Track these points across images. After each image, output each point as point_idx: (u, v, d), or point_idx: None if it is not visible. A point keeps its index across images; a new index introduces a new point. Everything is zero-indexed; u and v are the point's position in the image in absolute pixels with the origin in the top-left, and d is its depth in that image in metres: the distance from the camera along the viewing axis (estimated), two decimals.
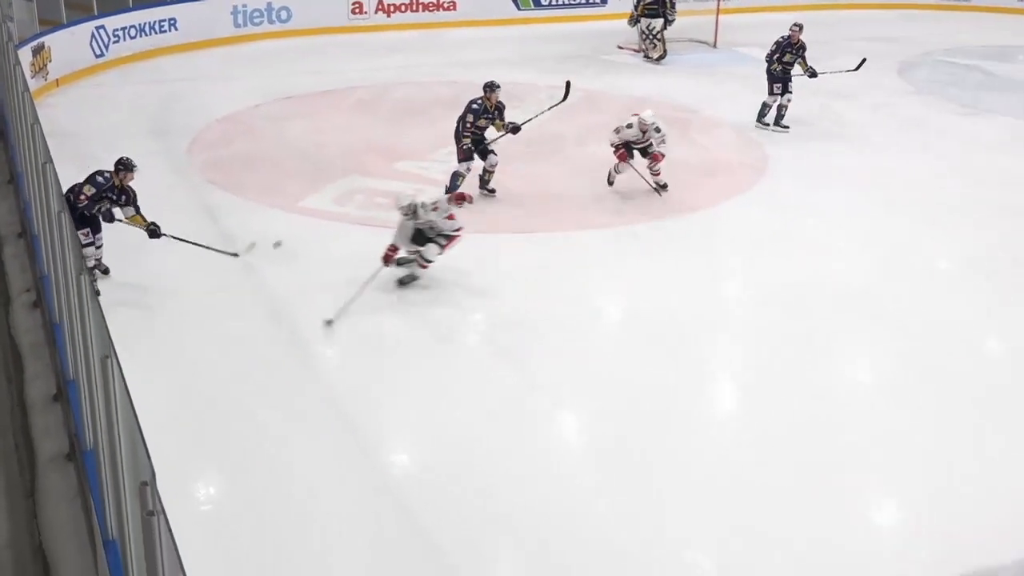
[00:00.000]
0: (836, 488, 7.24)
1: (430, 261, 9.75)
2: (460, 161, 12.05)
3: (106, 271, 9.66)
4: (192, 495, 6.95)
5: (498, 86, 12.05)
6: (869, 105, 16.75)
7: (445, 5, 21.87)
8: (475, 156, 12.02)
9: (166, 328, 8.96)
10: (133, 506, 4.04)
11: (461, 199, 10.04)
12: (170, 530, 3.47)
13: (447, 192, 11.61)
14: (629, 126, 11.83)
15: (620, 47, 20.35)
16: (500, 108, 12.09)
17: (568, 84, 13.01)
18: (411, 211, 9.47)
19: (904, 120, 16.14)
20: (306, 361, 8.63)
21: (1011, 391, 8.57)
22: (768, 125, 15.21)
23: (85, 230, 9.25)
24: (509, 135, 12.14)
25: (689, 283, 10.31)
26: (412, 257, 9.82)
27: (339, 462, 7.28)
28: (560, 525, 6.65)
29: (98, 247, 9.54)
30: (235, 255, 10.01)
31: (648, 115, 11.81)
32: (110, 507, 4.67)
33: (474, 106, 11.91)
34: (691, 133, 14.98)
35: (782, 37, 15.03)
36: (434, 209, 9.55)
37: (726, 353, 9.33)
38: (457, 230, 9.79)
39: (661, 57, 19.79)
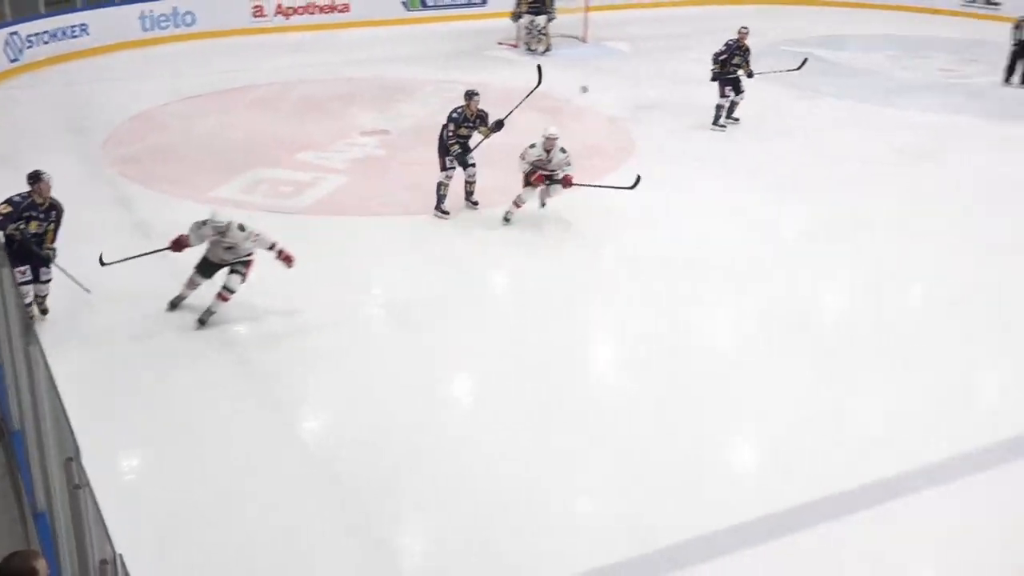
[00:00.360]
0: (715, 434, 7.43)
1: (233, 292, 8.48)
2: (441, 170, 11.09)
3: (44, 312, 8.42)
4: (122, 475, 6.80)
5: (476, 94, 11.02)
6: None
7: (339, 7, 21.56)
8: (456, 165, 11.05)
9: (96, 321, 8.66)
10: (60, 481, 3.93)
11: (288, 260, 8.49)
12: (96, 502, 3.38)
13: (437, 204, 11.10)
14: (533, 146, 10.58)
15: (500, 43, 20.32)
16: (482, 116, 11.03)
17: (540, 68, 12.16)
18: (222, 230, 8.19)
19: (753, 104, 16.36)
20: (226, 343, 8.44)
21: (858, 341, 8.86)
22: (724, 127, 14.90)
23: (23, 268, 8.03)
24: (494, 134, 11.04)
25: (572, 255, 10.40)
26: (187, 294, 8.67)
27: (264, 439, 7.19)
28: (480, 488, 6.71)
29: (44, 281, 8.26)
30: (88, 291, 8.64)
31: (554, 130, 10.60)
32: (38, 483, 4.54)
33: (454, 115, 10.93)
34: (564, 120, 14.95)
35: (731, 40, 14.63)
36: (254, 240, 8.33)
37: (609, 315, 9.42)
38: (250, 254, 8.46)
39: (547, 50, 19.84)
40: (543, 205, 11.12)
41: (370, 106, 15.66)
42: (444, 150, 10.98)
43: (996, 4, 24.47)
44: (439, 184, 11.10)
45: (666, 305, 9.36)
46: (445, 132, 10.94)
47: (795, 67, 15.56)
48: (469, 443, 7.22)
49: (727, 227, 11.18)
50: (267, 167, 12.69)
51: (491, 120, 11.04)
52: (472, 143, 11.11)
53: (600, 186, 11.05)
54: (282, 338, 8.57)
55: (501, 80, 17.31)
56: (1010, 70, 18.03)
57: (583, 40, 20.79)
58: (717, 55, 14.62)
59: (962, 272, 10.24)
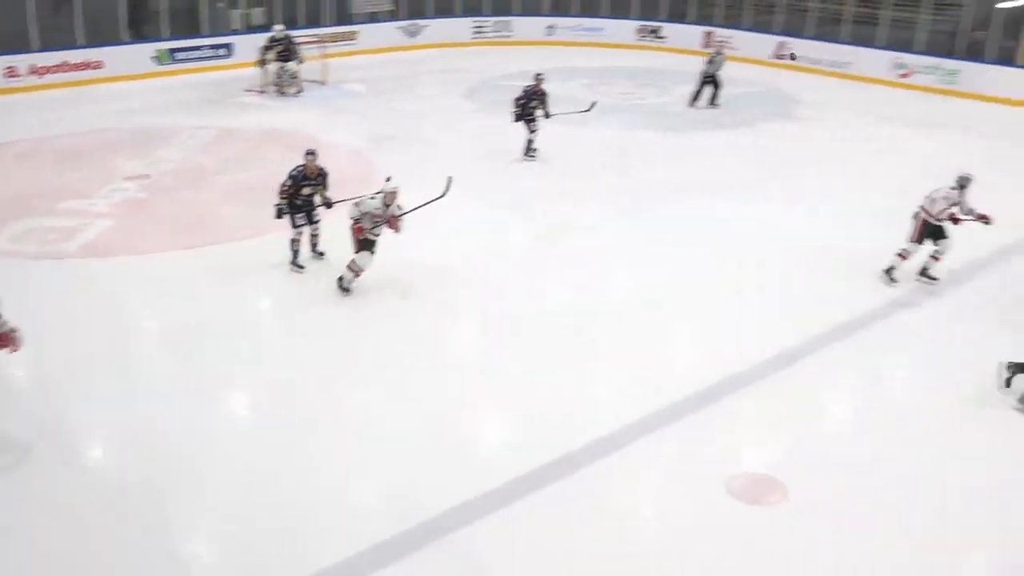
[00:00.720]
0: (455, 416, 7.63)
1: None
2: (292, 227, 10.15)
3: None
4: None
5: (314, 152, 10.00)
6: (442, 123, 17.26)
7: (92, 64, 20.25)
8: (305, 222, 10.18)
9: None
10: None
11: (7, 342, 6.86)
12: None
13: (292, 259, 10.27)
14: (372, 197, 9.39)
15: (247, 90, 19.77)
16: (323, 173, 10.08)
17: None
18: None
19: (469, 132, 16.75)
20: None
21: (571, 325, 9.28)
22: (533, 157, 14.86)
23: None
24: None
25: (323, 275, 10.21)
26: None
27: (44, 470, 6.83)
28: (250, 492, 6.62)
29: None
30: None
31: (394, 184, 9.42)
32: None
33: (294, 172, 9.94)
34: None
35: (528, 86, 14.50)
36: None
37: (358, 324, 9.33)
38: None
39: (299, 91, 19.46)
40: (357, 274, 9.74)
41: (130, 153, 14.86)
42: (292, 207, 10.09)
43: (662, 37, 26.14)
44: (291, 240, 10.23)
45: (410, 312, 9.49)
46: (280, 187, 9.97)
47: (586, 109, 15.61)
48: (246, 452, 7.11)
49: (460, 239, 11.39)
50: (34, 216, 11.81)
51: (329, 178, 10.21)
52: (316, 200, 10.19)
53: (419, 207, 9.83)
54: (59, 375, 8.07)
55: (252, 123, 16.93)
56: (696, 95, 19.17)
57: (323, 83, 20.56)
58: (517, 99, 14.58)
59: (649, 262, 10.97)
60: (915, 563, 6.15)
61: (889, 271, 10.39)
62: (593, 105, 15.82)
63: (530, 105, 14.52)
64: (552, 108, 14.66)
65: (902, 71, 22.26)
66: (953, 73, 21.50)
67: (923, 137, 17.52)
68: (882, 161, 15.66)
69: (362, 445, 7.19)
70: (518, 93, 14.70)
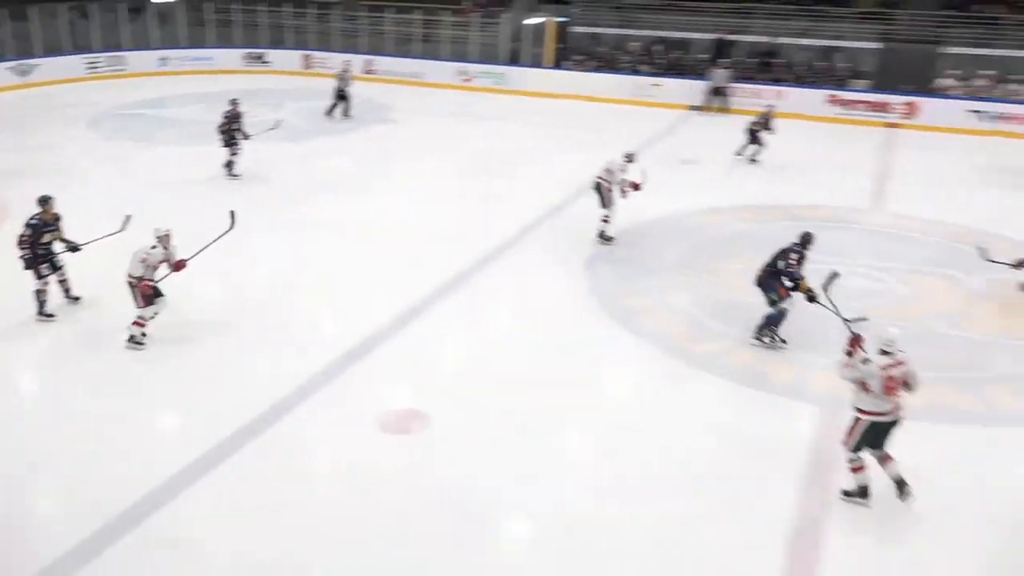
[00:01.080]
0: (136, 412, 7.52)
1: None
2: (37, 279, 8.86)
3: None
4: None
5: (52, 198, 8.82)
6: (73, 153, 16.03)
7: None
8: (50, 272, 8.94)
9: None
10: None
11: None
12: None
13: (38, 309, 8.86)
14: (154, 247, 8.30)
15: None
16: (59, 218, 8.92)
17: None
18: None
19: (103, 158, 15.80)
20: None
21: (237, 313, 9.44)
22: (238, 176, 14.32)
23: None
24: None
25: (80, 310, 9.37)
26: None
27: None
28: None
29: None
30: None
31: (165, 227, 8.42)
32: None
33: (32, 221, 8.71)
34: None
35: (227, 111, 14.00)
36: None
37: (37, 341, 8.77)
38: None
39: None
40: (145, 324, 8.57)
41: None
42: (35, 259, 8.83)
43: (267, 62, 26.07)
44: (37, 292, 8.95)
45: (90, 325, 9.03)
46: (18, 239, 8.74)
47: (272, 127, 15.47)
48: None
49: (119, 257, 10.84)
50: None
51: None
52: (57, 247, 9.04)
53: (208, 245, 9.05)
54: None
55: None
56: (332, 108, 19.51)
57: None
58: (220, 126, 14.06)
59: (288, 254, 11.28)
60: (533, 455, 6.93)
61: (601, 235, 11.30)
62: (279, 123, 16.02)
63: (232, 128, 14.21)
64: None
65: (464, 77, 24.22)
66: (501, 76, 23.81)
67: (486, 127, 19.39)
68: (457, 149, 17.16)
69: (38, 455, 6.79)
70: (219, 120, 14.31)
